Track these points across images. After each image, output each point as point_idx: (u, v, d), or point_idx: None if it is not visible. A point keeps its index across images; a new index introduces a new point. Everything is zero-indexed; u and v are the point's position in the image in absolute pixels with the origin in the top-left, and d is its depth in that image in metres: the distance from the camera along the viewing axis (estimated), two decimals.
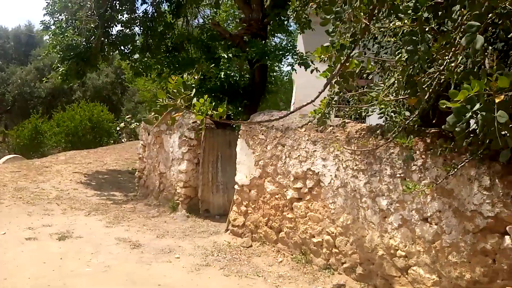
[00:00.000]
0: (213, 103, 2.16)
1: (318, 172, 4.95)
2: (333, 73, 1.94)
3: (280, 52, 7.74)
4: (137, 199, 8.02)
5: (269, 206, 5.53)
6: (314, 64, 7.42)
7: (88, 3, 8.79)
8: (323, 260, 4.91)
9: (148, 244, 5.49)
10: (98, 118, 24.61)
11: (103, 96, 35.71)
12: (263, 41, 8.41)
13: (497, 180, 3.54)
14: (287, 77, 19.27)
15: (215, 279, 4.53)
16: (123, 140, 29.23)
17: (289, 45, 8.21)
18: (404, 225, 4.15)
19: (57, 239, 5.37)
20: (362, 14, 1.93)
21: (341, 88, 2.41)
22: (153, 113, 2.27)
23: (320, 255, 4.94)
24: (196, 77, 2.26)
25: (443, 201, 3.86)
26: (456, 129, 1.45)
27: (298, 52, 7.58)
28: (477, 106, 1.38)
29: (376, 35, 3.93)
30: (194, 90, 2.22)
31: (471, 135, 3.47)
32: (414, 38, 1.66)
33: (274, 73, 11.59)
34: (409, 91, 2.21)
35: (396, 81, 2.34)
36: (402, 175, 4.18)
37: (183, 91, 2.13)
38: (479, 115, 1.40)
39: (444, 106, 1.44)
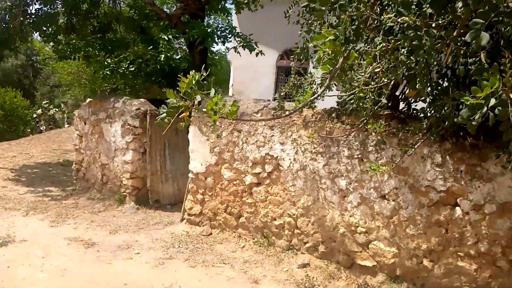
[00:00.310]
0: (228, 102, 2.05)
1: (277, 157, 5.01)
2: (336, 66, 1.95)
3: (223, 34, 7.59)
4: (78, 194, 7.51)
5: (228, 192, 5.51)
6: (258, 47, 7.42)
7: None
8: (285, 241, 5.05)
9: (102, 241, 5.21)
10: (11, 105, 22.46)
11: (13, 80, 32.51)
12: (202, 22, 8.18)
13: (448, 157, 3.87)
14: (217, 57, 18.98)
15: (182, 271, 4.46)
16: (41, 128, 27.08)
17: (229, 26, 8.03)
18: (363, 203, 4.40)
19: None
20: (363, 6, 1.94)
21: (344, 81, 2.42)
22: (164, 115, 2.09)
23: (282, 236, 5.06)
24: (205, 74, 2.13)
25: (399, 178, 4.14)
26: (473, 122, 1.55)
27: (241, 34, 7.48)
28: (493, 101, 1.49)
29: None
30: (213, 90, 2.09)
31: (427, 117, 3.74)
32: (418, 33, 1.72)
33: (212, 55, 11.34)
34: (407, 83, 2.30)
35: (379, 69, 2.42)
36: (359, 156, 4.39)
37: (197, 89, 2.00)
38: (496, 110, 1.51)
39: (468, 103, 1.53)
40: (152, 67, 7.63)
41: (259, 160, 5.17)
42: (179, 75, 2.28)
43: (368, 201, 4.35)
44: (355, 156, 4.40)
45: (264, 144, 5.12)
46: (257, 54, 7.33)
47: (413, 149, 3.78)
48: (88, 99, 7.64)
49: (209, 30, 7.42)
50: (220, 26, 7.88)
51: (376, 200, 4.30)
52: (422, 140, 3.79)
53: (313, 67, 3.14)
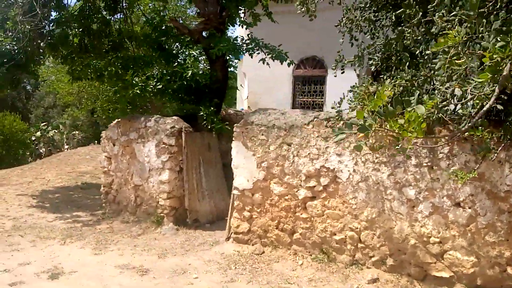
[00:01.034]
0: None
1: (334, 169, 4.86)
2: (504, 73, 1.81)
3: (249, 47, 7.46)
4: (109, 218, 7.25)
5: (279, 208, 5.32)
6: (288, 57, 7.31)
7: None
8: (348, 256, 4.86)
9: (154, 267, 4.97)
10: (11, 129, 22.10)
11: (7, 104, 32.21)
12: (223, 35, 8.06)
13: None
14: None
15: None
16: (41, 151, 26.64)
17: (253, 38, 7.89)
18: (435, 212, 4.24)
19: (48, 279, 4.61)
20: None
21: (509, 88, 2.27)
22: (341, 137, 1.92)
23: (344, 251, 4.88)
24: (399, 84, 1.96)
25: (475, 185, 4.00)
26: None
27: (269, 45, 7.36)
28: None
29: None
30: (421, 107, 1.93)
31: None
32: None
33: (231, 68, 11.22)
34: None
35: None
36: (428, 164, 4.25)
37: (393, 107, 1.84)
38: None
39: None
40: (179, 84, 7.48)
41: (313, 173, 5.00)
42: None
43: (441, 210, 4.20)
44: (424, 164, 4.26)
45: (318, 157, 4.97)
46: (289, 64, 7.23)
47: (495, 154, 3.66)
48: (116, 120, 7.44)
49: (236, 43, 7.29)
50: (245, 38, 7.71)
51: (450, 208, 4.16)
52: (503, 144, 3.66)
53: (436, 75, 2.94)
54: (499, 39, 1.89)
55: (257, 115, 5.55)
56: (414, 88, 3.90)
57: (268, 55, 7.35)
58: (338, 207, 4.88)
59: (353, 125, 2.00)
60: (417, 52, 3.86)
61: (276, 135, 5.28)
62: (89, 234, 6.33)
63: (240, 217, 5.70)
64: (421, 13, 2.86)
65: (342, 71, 5.24)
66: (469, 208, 4.06)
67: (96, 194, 9.03)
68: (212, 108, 7.50)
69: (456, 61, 2.26)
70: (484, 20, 2.11)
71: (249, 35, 7.96)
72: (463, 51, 2.20)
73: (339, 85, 10.16)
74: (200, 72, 7.65)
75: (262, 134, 5.40)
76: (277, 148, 5.27)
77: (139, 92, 6.97)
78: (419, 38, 3.07)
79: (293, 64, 7.31)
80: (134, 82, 7.09)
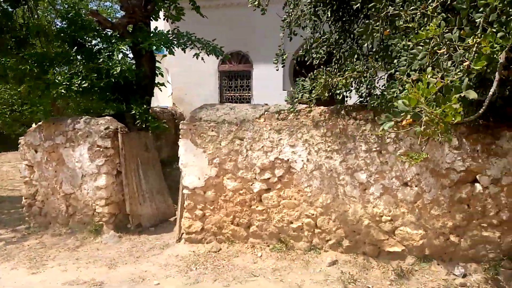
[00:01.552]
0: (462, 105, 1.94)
1: (288, 160, 4.97)
2: (501, 61, 2.00)
3: (181, 41, 7.23)
4: (36, 232, 6.48)
5: (233, 203, 5.29)
6: (223, 52, 7.24)
7: None
8: (305, 243, 5.03)
9: (108, 279, 4.62)
10: None
11: None
12: (150, 30, 7.72)
13: (464, 139, 4.24)
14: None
15: None
16: None
17: (186, 32, 7.62)
18: (385, 193, 4.60)
19: None
20: None
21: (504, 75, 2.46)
22: (389, 124, 1.92)
23: (302, 238, 5.04)
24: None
25: (420, 165, 4.42)
26: None
27: (202, 39, 7.20)
28: None
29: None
30: (473, 93, 1.97)
31: None
32: None
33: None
34: None
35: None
36: (377, 148, 4.58)
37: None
38: None
39: None
40: (106, 81, 6.96)
41: (267, 166, 5.07)
42: None
43: (391, 190, 4.57)
44: (374, 150, 4.58)
45: (272, 149, 5.04)
46: (224, 59, 7.18)
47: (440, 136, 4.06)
48: (38, 123, 6.67)
49: (169, 37, 7.02)
50: (174, 33, 7.44)
51: (399, 188, 4.54)
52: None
53: (397, 65, 3.08)
54: (494, 30, 2.12)
55: (204, 111, 5.42)
56: (365, 78, 4.17)
57: (202, 50, 7.21)
58: (293, 196, 5.02)
59: (402, 112, 2.07)
60: (365, 45, 4.14)
61: (227, 130, 5.22)
62: (17, 253, 5.63)
63: (191, 217, 5.54)
64: (391, 7, 3.05)
65: (282, 64, 5.37)
66: (416, 186, 4.47)
67: (11, 208, 8.06)
68: (144, 106, 7.16)
69: (438, 51, 2.48)
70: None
71: (176, 29, 7.71)
72: (443, 42, 2.42)
73: (265, 79, 10.39)
74: (129, 68, 7.19)
75: (212, 130, 5.30)
76: (229, 143, 5.22)
77: (64, 91, 6.34)
78: (388, 30, 3.28)
79: (219, 59, 7.25)
80: (57, 81, 6.42)
